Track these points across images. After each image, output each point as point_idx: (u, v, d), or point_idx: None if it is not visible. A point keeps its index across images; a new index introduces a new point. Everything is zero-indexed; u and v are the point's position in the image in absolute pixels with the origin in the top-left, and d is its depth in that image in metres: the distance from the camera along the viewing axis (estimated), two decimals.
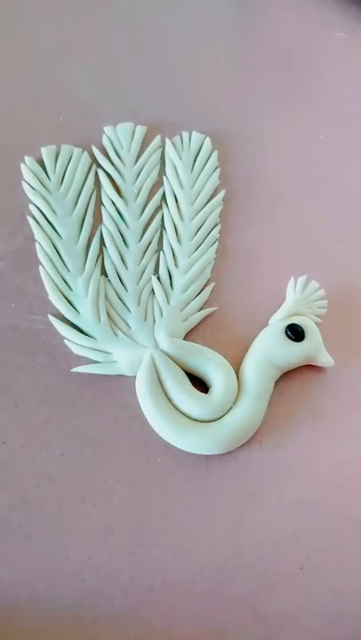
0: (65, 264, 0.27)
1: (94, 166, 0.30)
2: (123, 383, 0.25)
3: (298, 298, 0.26)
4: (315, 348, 0.25)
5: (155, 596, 0.22)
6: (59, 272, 0.27)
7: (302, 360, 0.25)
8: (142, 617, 0.22)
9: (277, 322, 0.26)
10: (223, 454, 0.24)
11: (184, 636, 0.22)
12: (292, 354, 0.25)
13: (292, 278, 0.26)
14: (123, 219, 0.28)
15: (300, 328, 0.25)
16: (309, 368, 0.26)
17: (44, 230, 0.28)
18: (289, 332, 0.25)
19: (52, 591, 0.22)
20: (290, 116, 0.32)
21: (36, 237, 0.27)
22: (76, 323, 0.26)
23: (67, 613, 0.22)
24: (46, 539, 0.23)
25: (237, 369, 0.25)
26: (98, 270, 0.27)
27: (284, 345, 0.25)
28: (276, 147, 0.31)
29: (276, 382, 0.25)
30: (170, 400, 0.24)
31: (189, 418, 0.24)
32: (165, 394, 0.24)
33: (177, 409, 0.24)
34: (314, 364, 0.25)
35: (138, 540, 0.23)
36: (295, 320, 0.25)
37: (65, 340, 0.26)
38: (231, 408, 0.24)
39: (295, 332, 0.25)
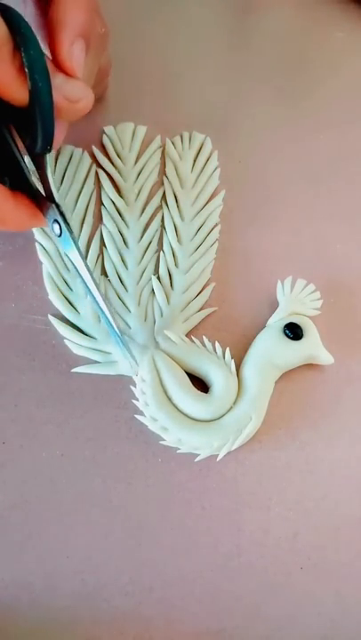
0: (65, 264, 0.27)
1: (94, 166, 0.30)
2: (122, 383, 0.25)
3: (289, 298, 0.26)
4: (314, 345, 0.25)
5: (155, 596, 0.22)
6: (59, 272, 0.27)
7: (302, 359, 0.25)
8: (142, 617, 0.22)
9: (275, 323, 0.26)
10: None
11: (184, 636, 0.22)
12: (292, 353, 0.25)
13: (279, 282, 0.26)
14: (123, 219, 0.28)
15: (298, 326, 0.25)
16: (309, 368, 0.26)
17: (44, 230, 0.28)
18: (287, 331, 0.25)
19: (52, 591, 0.22)
20: (290, 116, 0.32)
21: (36, 237, 0.27)
22: (76, 323, 0.26)
23: (67, 613, 0.22)
24: (46, 539, 0.23)
25: (238, 369, 0.25)
26: (98, 270, 0.27)
27: (284, 344, 0.25)
28: (276, 147, 0.31)
29: (276, 383, 0.25)
30: (170, 400, 0.24)
31: (189, 418, 0.24)
32: (165, 393, 0.24)
33: (177, 409, 0.24)
34: (314, 362, 0.25)
35: (138, 540, 0.23)
36: (292, 319, 0.25)
37: (65, 340, 0.26)
38: (231, 408, 0.24)
39: (293, 331, 0.25)
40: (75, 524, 0.23)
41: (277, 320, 0.26)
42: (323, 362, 0.25)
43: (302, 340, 0.25)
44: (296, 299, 0.26)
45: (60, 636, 0.22)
